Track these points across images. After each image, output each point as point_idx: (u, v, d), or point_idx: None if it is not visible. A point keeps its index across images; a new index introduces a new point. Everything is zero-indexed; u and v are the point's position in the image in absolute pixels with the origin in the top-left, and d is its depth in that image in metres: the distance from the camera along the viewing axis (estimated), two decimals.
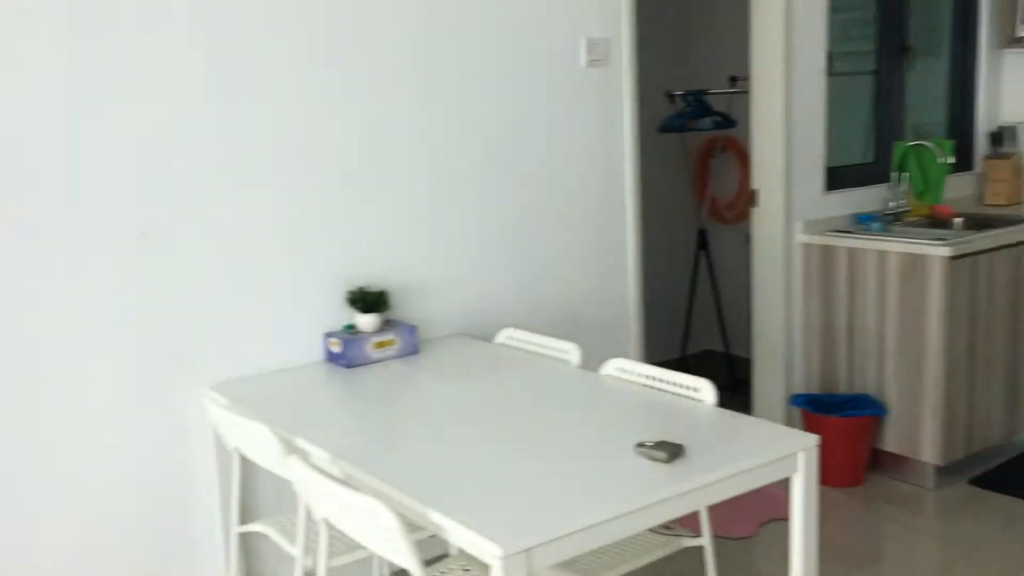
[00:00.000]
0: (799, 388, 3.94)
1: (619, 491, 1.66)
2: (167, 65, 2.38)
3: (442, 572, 2.04)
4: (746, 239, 5.26)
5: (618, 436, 1.95)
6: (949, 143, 4.00)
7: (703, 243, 5.04)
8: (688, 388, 2.22)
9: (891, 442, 3.64)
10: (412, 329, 2.69)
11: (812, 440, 1.89)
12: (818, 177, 3.89)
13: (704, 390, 2.18)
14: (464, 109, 2.95)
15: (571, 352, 2.57)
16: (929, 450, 3.53)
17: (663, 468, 1.77)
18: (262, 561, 2.66)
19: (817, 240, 3.80)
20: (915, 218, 4.07)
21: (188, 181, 2.44)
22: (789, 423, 3.89)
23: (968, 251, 3.44)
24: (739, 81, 5.02)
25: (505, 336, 2.81)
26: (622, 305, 3.37)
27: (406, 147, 2.84)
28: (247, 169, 2.54)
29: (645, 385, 2.32)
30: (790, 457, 1.86)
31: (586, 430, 2.00)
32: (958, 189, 4.44)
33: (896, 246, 3.53)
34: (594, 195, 3.28)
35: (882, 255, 3.58)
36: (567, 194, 3.21)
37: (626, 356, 3.38)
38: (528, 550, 1.50)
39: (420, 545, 1.81)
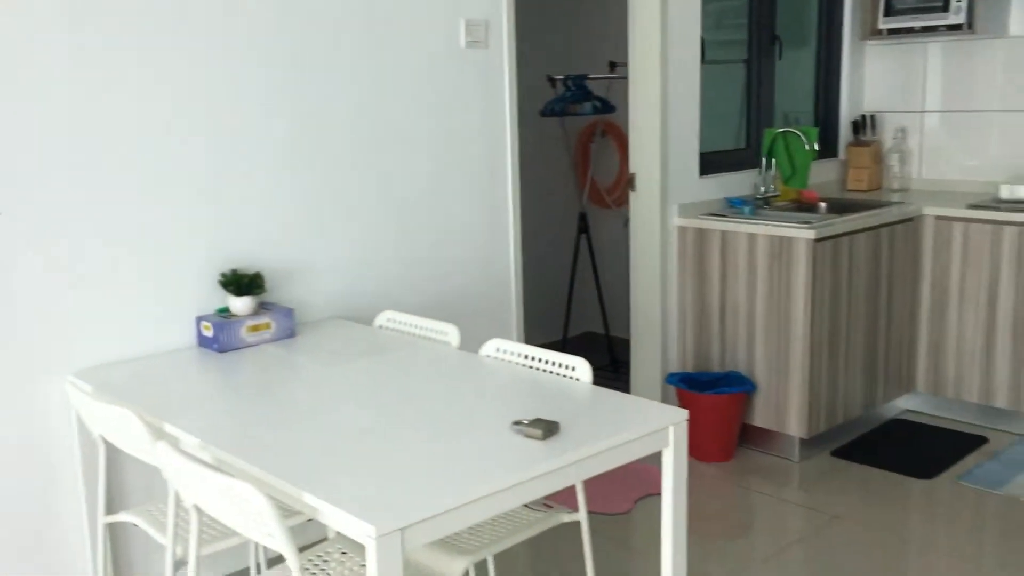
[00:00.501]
0: (675, 367, 4.06)
1: (495, 468, 1.68)
2: (22, 39, 2.26)
3: (318, 556, 2.02)
4: (625, 223, 5.37)
5: (495, 415, 1.96)
6: (814, 130, 4.17)
7: (584, 227, 5.12)
8: (565, 367, 2.26)
9: (760, 417, 3.79)
10: (288, 312, 2.65)
11: (682, 415, 1.95)
12: (693, 162, 4.00)
13: (580, 369, 2.22)
14: (341, 88, 2.90)
15: (451, 333, 2.57)
16: (795, 424, 3.69)
17: (538, 445, 1.79)
18: (131, 552, 2.58)
19: (692, 223, 3.91)
20: (783, 202, 4.23)
21: (46, 157, 2.33)
22: (665, 401, 4.00)
23: (831, 234, 3.60)
24: (618, 67, 5.11)
25: (384, 318, 2.79)
26: (503, 287, 3.39)
27: (281, 126, 2.78)
28: (110, 146, 2.43)
29: (523, 365, 2.34)
30: (661, 431, 1.92)
31: (463, 410, 2.01)
32: (823, 174, 4.64)
33: (765, 229, 3.66)
34: (475, 177, 3.28)
35: (752, 238, 3.71)
36: (448, 176, 3.21)
37: (508, 337, 3.42)
38: (403, 529, 1.50)
39: (298, 530, 1.78)
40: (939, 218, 3.99)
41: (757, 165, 4.30)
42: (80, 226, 2.39)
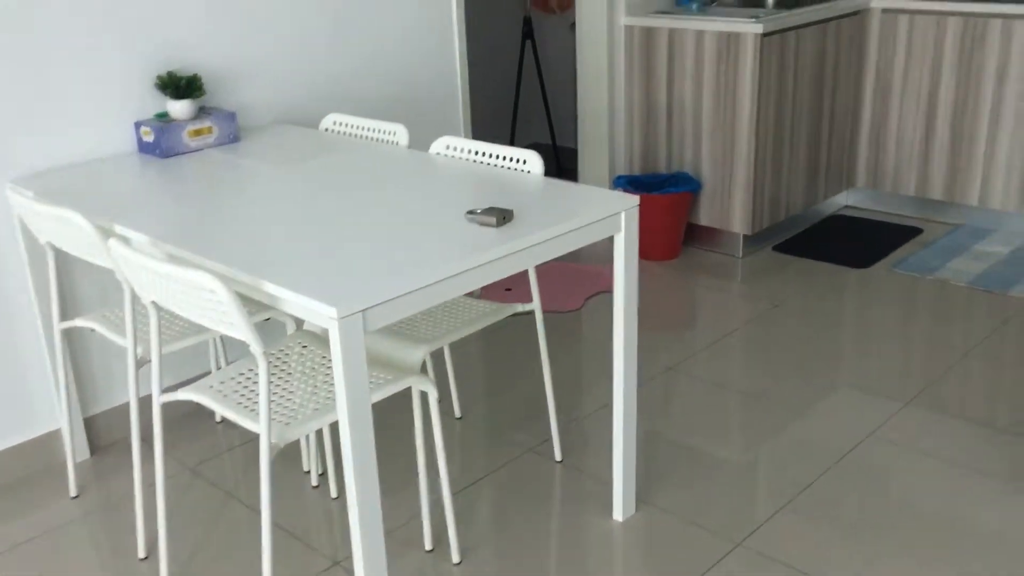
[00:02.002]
0: (623, 170, 4.08)
1: (450, 254, 1.70)
2: None
3: (280, 351, 2.06)
4: (572, 27, 5.24)
5: (448, 207, 1.97)
6: None
7: (528, 32, 4.99)
8: (516, 161, 2.26)
9: (705, 216, 3.87)
10: (231, 116, 2.58)
11: (633, 201, 1.98)
12: None
13: (531, 161, 2.22)
14: None
15: (399, 133, 2.54)
16: (739, 221, 3.77)
17: (492, 232, 1.81)
18: (91, 357, 2.60)
19: (639, 22, 3.83)
20: None
21: None
22: None
23: (778, 28, 3.57)
24: None
25: (330, 121, 2.73)
26: (449, 87, 3.32)
27: None
28: None
29: (474, 161, 2.33)
30: (613, 217, 1.95)
31: (416, 203, 2.01)
32: None
33: (712, 25, 3.61)
34: None
35: (699, 35, 3.66)
36: None
37: (455, 128, 3.38)
38: (364, 311, 1.53)
39: (256, 329, 1.81)
40: (885, 11, 3.97)
41: None
42: (5, 31, 2.27)
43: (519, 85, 5.12)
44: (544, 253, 1.83)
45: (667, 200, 3.73)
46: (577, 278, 3.66)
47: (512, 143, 5.31)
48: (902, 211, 4.24)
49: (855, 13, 3.94)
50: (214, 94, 2.72)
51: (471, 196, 2.05)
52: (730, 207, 3.77)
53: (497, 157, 2.30)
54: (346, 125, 2.69)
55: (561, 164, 5.23)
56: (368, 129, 2.63)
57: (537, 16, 5.22)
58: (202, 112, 2.58)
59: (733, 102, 3.63)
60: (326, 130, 2.73)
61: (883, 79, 4.04)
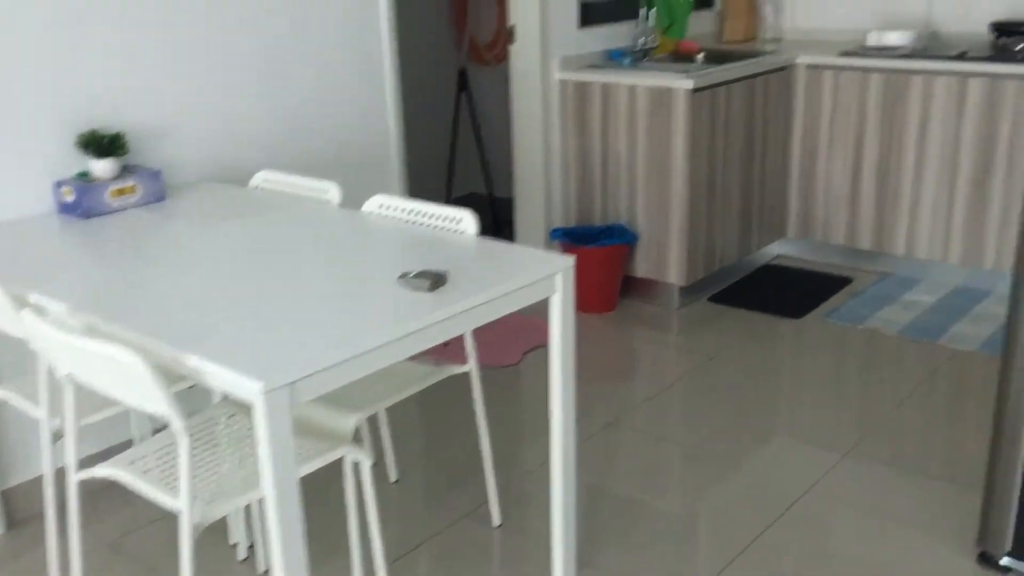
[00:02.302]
0: (559, 223, 4.08)
1: (382, 320, 1.66)
2: None
3: (205, 421, 1.98)
4: (507, 80, 5.27)
5: (381, 270, 1.93)
6: None
7: (463, 84, 5.00)
8: (450, 220, 2.23)
9: (641, 268, 3.88)
10: (155, 174, 2.51)
11: (568, 262, 1.96)
12: (572, 13, 3.92)
13: (466, 220, 2.19)
14: None
15: (331, 191, 2.49)
16: (674, 272, 3.79)
17: (426, 296, 1.77)
18: (7, 428, 2.48)
19: (573, 77, 3.86)
20: (662, 54, 4.22)
21: None
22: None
23: (708, 83, 3.62)
24: None
25: (260, 179, 2.68)
26: (383, 143, 3.29)
27: None
28: None
29: (408, 220, 2.30)
30: (548, 278, 1.92)
31: (348, 266, 1.96)
32: (700, 26, 4.63)
33: (645, 80, 3.65)
34: (349, 30, 3.13)
35: (632, 89, 3.70)
36: (319, 28, 3.04)
37: (390, 194, 3.35)
38: (292, 383, 1.47)
39: (180, 398, 1.74)
40: (811, 66, 4.06)
41: (635, 17, 4.24)
42: None
43: (455, 136, 5.12)
44: (478, 318, 1.80)
45: (603, 253, 3.73)
46: (515, 331, 3.63)
47: (448, 194, 5.30)
48: (832, 260, 4.31)
49: (782, 68, 4.03)
50: (138, 152, 2.64)
51: (404, 258, 2.01)
52: (666, 259, 3.79)
53: (432, 216, 2.27)
54: (277, 183, 2.64)
55: (497, 215, 5.22)
56: (299, 187, 2.58)
57: (472, 68, 5.25)
58: (125, 171, 2.51)
59: (667, 155, 3.67)
60: (256, 188, 2.68)
61: (810, 132, 4.12)
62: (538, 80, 3.83)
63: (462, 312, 1.75)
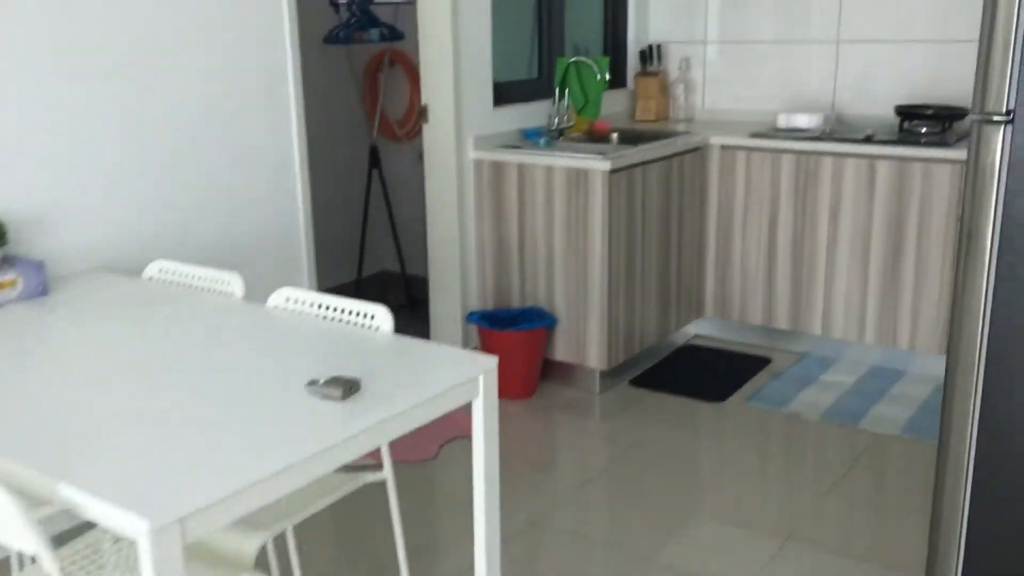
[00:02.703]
0: (475, 305, 3.96)
1: (289, 438, 1.49)
2: None
3: (88, 546, 1.77)
4: (420, 157, 5.19)
5: (288, 375, 1.77)
6: (605, 60, 4.13)
7: (375, 161, 4.89)
8: (363, 316, 2.08)
9: (561, 351, 3.78)
10: (38, 266, 2.30)
11: (492, 362, 1.83)
12: (487, 92, 3.86)
13: (380, 317, 2.05)
14: (95, 5, 2.52)
15: (233, 283, 2.32)
16: (595, 356, 3.70)
17: (337, 407, 1.62)
18: None
19: (488, 156, 3.78)
20: (576, 133, 4.19)
21: None
22: (466, 341, 3.91)
23: (625, 164, 3.59)
24: None
25: (155, 269, 2.49)
26: (291, 229, 3.14)
27: (24, 49, 2.38)
28: None
29: (317, 316, 2.14)
30: (471, 381, 1.79)
31: (250, 372, 1.79)
32: (612, 105, 4.63)
33: (561, 160, 3.60)
34: (255, 109, 2.99)
35: (549, 170, 3.64)
36: (223, 108, 2.90)
37: (299, 283, 3.18)
38: (182, 519, 1.29)
39: (63, 516, 1.52)
40: (724, 147, 4.08)
41: (550, 96, 4.22)
42: None
43: (366, 214, 4.98)
44: (396, 428, 1.64)
45: (523, 337, 3.62)
46: (431, 423, 3.46)
47: (360, 273, 5.14)
48: (750, 340, 4.29)
49: (696, 149, 4.03)
50: (19, 241, 2.43)
51: (314, 360, 1.85)
52: (586, 342, 3.70)
53: (343, 311, 2.12)
54: (174, 273, 2.45)
55: (411, 293, 5.08)
56: (199, 278, 2.40)
57: (384, 144, 5.14)
58: (4, 262, 2.29)
59: (584, 236, 3.60)
60: (151, 279, 2.48)
61: (725, 212, 4.13)
62: (453, 160, 3.75)
63: (378, 424, 1.60)
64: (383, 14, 4.77)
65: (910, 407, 3.54)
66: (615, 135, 4.27)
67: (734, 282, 4.18)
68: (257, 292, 2.76)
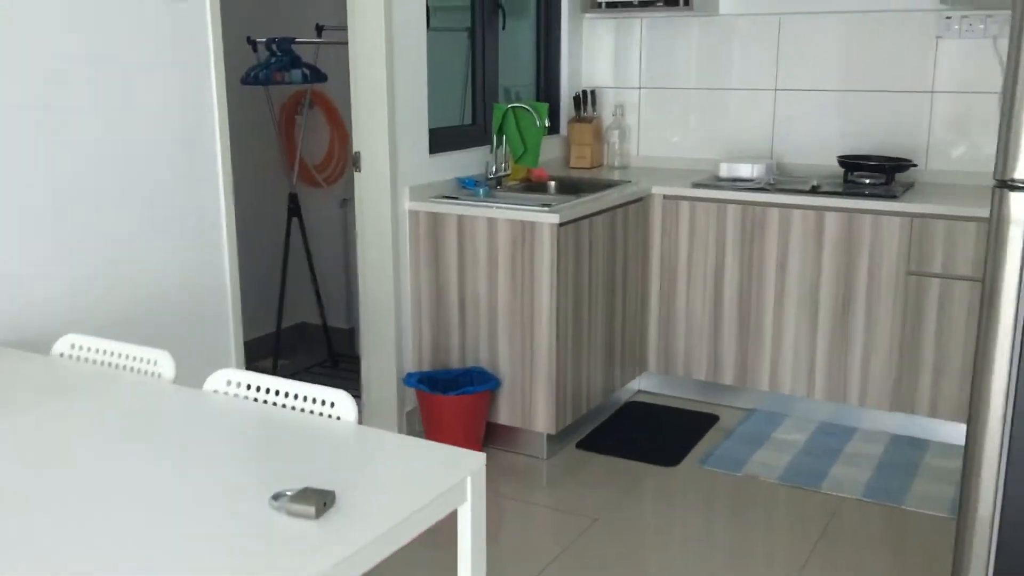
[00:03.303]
0: (411, 364, 3.70)
1: (253, 570, 1.22)
2: None
3: None
4: (342, 203, 4.91)
5: (245, 484, 1.49)
6: (544, 106, 3.96)
7: (295, 208, 4.59)
8: (319, 403, 1.81)
9: (505, 415, 3.55)
10: None
11: (479, 461, 1.59)
12: (422, 139, 3.63)
13: (341, 404, 1.79)
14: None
15: (162, 362, 2.02)
16: (542, 419, 3.48)
17: (311, 527, 1.35)
18: None
19: (425, 207, 3.55)
20: (514, 182, 4.00)
21: None
22: (402, 404, 3.64)
23: (573, 217, 3.41)
24: (326, 30, 4.61)
25: (67, 345, 2.16)
26: (216, 289, 2.83)
27: None
28: None
29: (264, 402, 1.86)
30: (459, 485, 1.54)
31: (199, 479, 1.51)
32: (546, 152, 4.46)
33: (506, 213, 3.39)
34: (175, 160, 2.68)
35: (492, 222, 3.43)
36: (140, 157, 2.59)
37: (225, 351, 2.87)
38: None
39: None
40: (667, 197, 3.95)
41: (485, 142, 4.02)
42: None
43: (286, 264, 4.67)
44: (380, 551, 1.39)
45: (467, 401, 3.37)
46: None
47: (279, 326, 4.80)
48: (695, 396, 4.14)
49: (639, 200, 3.89)
50: None
51: (273, 463, 1.57)
52: (532, 405, 3.48)
53: (296, 397, 1.84)
54: (89, 350, 2.13)
55: (332, 348, 4.78)
56: (119, 355, 2.08)
57: (303, 190, 4.85)
58: None
59: (531, 293, 3.39)
60: (61, 356, 2.15)
61: (669, 264, 3.99)
62: (387, 211, 3.49)
63: (360, 550, 1.34)
64: (303, 54, 4.50)
65: (867, 468, 3.43)
66: (553, 184, 4.10)
67: (678, 336, 4.03)
68: (181, 362, 2.44)
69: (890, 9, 3.97)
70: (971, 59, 3.85)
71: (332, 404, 1.80)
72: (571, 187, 4.04)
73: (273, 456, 1.60)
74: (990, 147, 3.86)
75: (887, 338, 3.61)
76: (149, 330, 2.63)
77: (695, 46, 4.39)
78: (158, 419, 1.76)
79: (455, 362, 3.61)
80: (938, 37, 3.90)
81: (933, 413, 3.60)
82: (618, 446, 3.64)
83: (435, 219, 3.54)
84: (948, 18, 3.86)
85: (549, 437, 3.55)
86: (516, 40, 4.36)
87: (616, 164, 4.58)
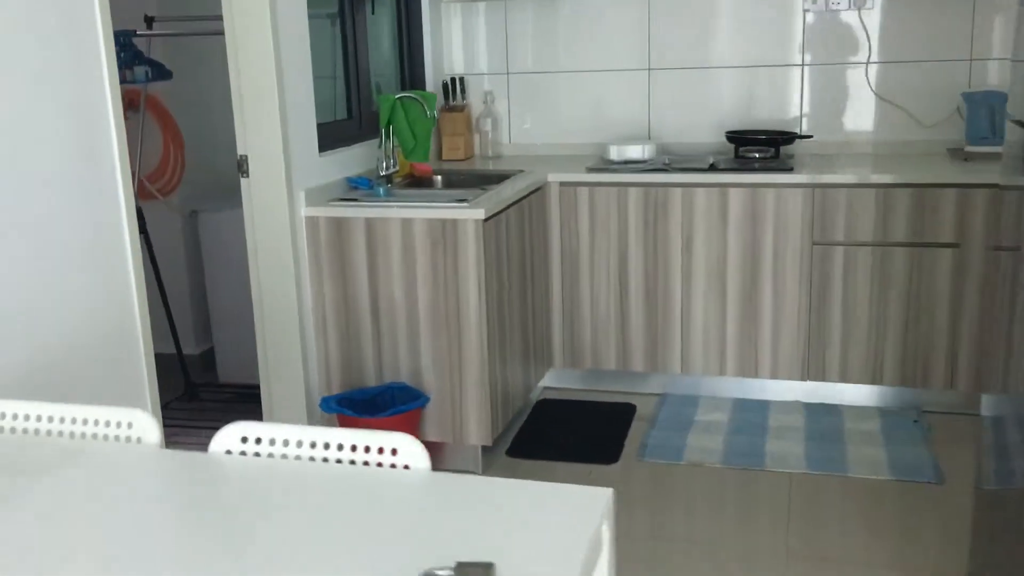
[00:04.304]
0: (320, 388, 3.33)
1: None
2: None
3: None
4: (190, 215, 4.39)
5: (374, 567, 1.17)
6: (433, 96, 3.69)
7: (142, 226, 4.04)
8: (373, 451, 1.50)
9: (433, 431, 3.26)
10: None
11: (608, 498, 1.35)
12: (311, 138, 3.27)
13: (408, 450, 1.48)
14: None
15: (139, 423, 1.60)
16: (475, 432, 3.23)
17: None
18: None
19: (326, 212, 3.19)
20: (400, 179, 3.71)
21: None
22: None
23: (495, 211, 3.18)
24: (157, 21, 4.08)
25: None
26: (123, 329, 2.36)
27: None
28: None
29: (311, 459, 1.52)
30: (597, 529, 1.30)
31: (318, 572, 1.17)
32: None
33: (422, 212, 3.11)
34: (66, 181, 2.20)
35: (407, 223, 3.13)
36: (26, 177, 2.10)
37: (139, 393, 2.42)
38: None
39: None
40: (564, 184, 3.80)
41: (365, 138, 3.70)
42: None
43: None
44: None
45: (399, 422, 3.06)
46: None
47: None
48: (601, 387, 4.02)
49: (537, 189, 3.70)
50: None
51: (381, 533, 1.26)
52: (463, 416, 3.22)
53: (341, 448, 1.51)
54: (14, 418, 1.67)
55: (190, 379, 4.27)
56: (68, 421, 1.64)
57: (148, 207, 4.29)
58: None
59: (456, 296, 3.13)
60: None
61: (570, 254, 3.84)
62: (285, 218, 3.11)
63: None
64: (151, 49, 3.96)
65: (798, 440, 3.44)
66: (439, 178, 3.84)
67: (584, 327, 3.89)
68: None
69: None
70: (838, 30, 3.96)
71: (394, 451, 1.49)
72: (461, 181, 3.80)
73: (377, 526, 1.28)
74: (863, 116, 4.00)
75: (795, 309, 3.65)
76: (54, 382, 2.15)
77: (562, 27, 4.25)
78: (197, 503, 1.38)
79: (371, 379, 3.29)
80: (805, 10, 3.98)
81: (843, 378, 3.67)
82: (549, 449, 3.45)
83: (339, 224, 3.19)
84: None
85: (484, 449, 3.30)
86: (375, 28, 4.04)
87: (490, 154, 4.37)
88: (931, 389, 3.62)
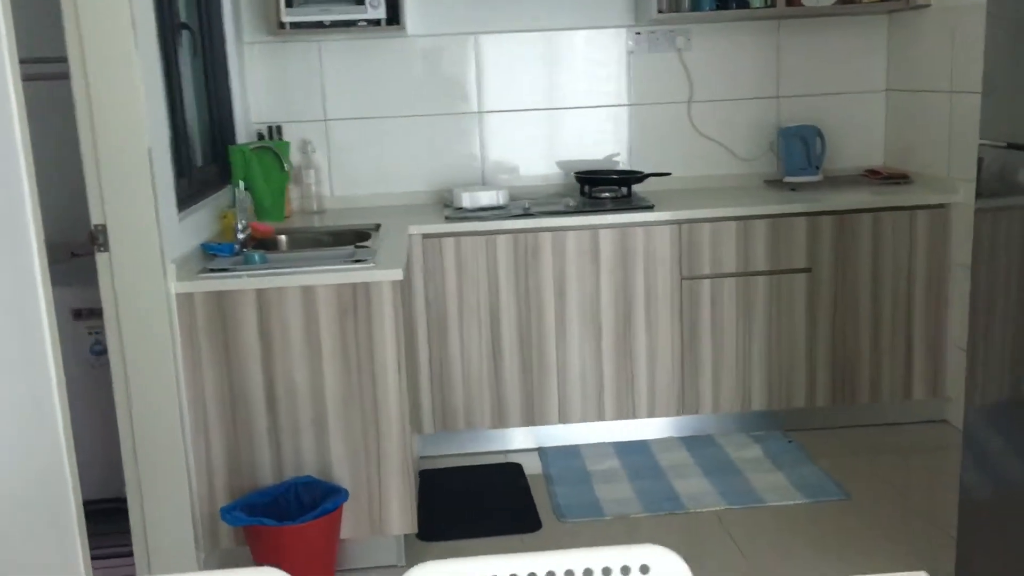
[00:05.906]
0: (208, 495, 2.77)
1: None
2: None
3: None
4: None
5: None
6: (285, 144, 3.26)
7: None
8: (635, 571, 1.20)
9: (349, 527, 2.84)
10: None
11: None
12: (171, 200, 2.74)
13: (671, 570, 1.20)
14: None
15: None
16: (398, 520, 2.86)
17: None
18: None
19: (203, 287, 2.68)
20: (252, 241, 3.24)
21: None
22: (199, 550, 2.71)
23: (404, 270, 2.85)
24: None
25: None
26: (52, 465, 1.77)
27: None
28: None
29: None
30: None
31: None
32: (226, 200, 3.69)
33: (326, 278, 2.71)
34: None
35: (308, 292, 2.71)
36: None
37: (68, 538, 1.84)
38: None
39: None
40: (426, 236, 3.53)
41: (203, 196, 3.18)
42: None
43: None
44: None
45: (323, 526, 2.62)
46: None
47: None
48: (480, 448, 3.76)
49: None
50: None
51: None
52: (384, 505, 2.84)
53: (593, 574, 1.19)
54: None
55: None
56: None
57: None
58: None
59: (371, 371, 2.76)
60: None
61: (437, 309, 3.56)
62: (159, 297, 2.57)
63: None
64: None
65: (699, 476, 3.43)
66: (284, 239, 3.42)
67: (455, 386, 3.63)
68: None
69: (583, 27, 4.03)
70: (660, 72, 4.08)
71: (644, 568, 1.20)
72: (309, 242, 3.40)
73: None
74: (689, 152, 4.13)
75: (668, 345, 3.66)
76: None
77: (386, 70, 3.99)
78: None
79: (268, 477, 2.79)
80: (630, 53, 4.06)
81: (716, 408, 3.74)
82: (460, 526, 3.15)
83: (219, 300, 2.69)
84: (638, 33, 4.04)
85: (405, 539, 2.93)
86: (185, 73, 3.50)
87: (315, 208, 3.97)
88: (792, 409, 3.79)
